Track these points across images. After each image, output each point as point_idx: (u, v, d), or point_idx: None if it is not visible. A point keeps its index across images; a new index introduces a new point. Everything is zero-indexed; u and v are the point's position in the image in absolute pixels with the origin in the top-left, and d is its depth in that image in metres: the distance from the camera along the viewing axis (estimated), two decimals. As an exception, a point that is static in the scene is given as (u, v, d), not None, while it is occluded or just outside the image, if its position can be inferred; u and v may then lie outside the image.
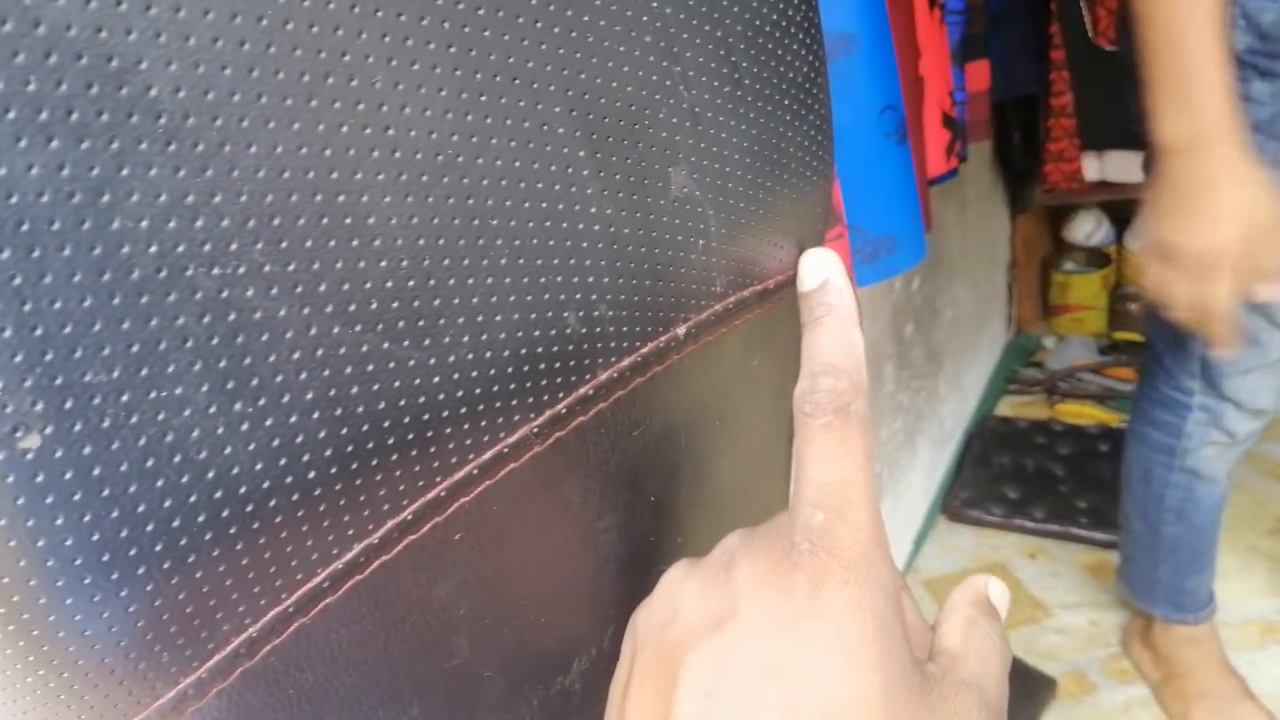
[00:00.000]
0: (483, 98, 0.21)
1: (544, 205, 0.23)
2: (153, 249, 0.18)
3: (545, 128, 0.22)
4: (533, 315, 0.23)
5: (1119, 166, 1.80)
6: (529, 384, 0.24)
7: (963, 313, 1.83)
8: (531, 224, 0.22)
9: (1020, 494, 1.70)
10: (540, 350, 0.24)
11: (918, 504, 1.65)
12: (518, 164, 0.22)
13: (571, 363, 0.24)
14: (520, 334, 0.23)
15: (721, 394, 0.30)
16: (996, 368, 2.09)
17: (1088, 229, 2.19)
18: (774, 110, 0.28)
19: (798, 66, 0.28)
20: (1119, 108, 1.73)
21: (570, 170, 0.23)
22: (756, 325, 0.30)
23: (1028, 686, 1.30)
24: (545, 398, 0.24)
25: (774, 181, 0.28)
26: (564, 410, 0.25)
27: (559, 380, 0.24)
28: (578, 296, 0.24)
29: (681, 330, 0.27)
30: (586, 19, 0.23)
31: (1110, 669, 1.35)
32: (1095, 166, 1.82)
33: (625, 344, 0.25)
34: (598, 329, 0.25)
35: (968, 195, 1.77)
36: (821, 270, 0.28)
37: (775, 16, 0.27)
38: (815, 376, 0.25)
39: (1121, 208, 2.15)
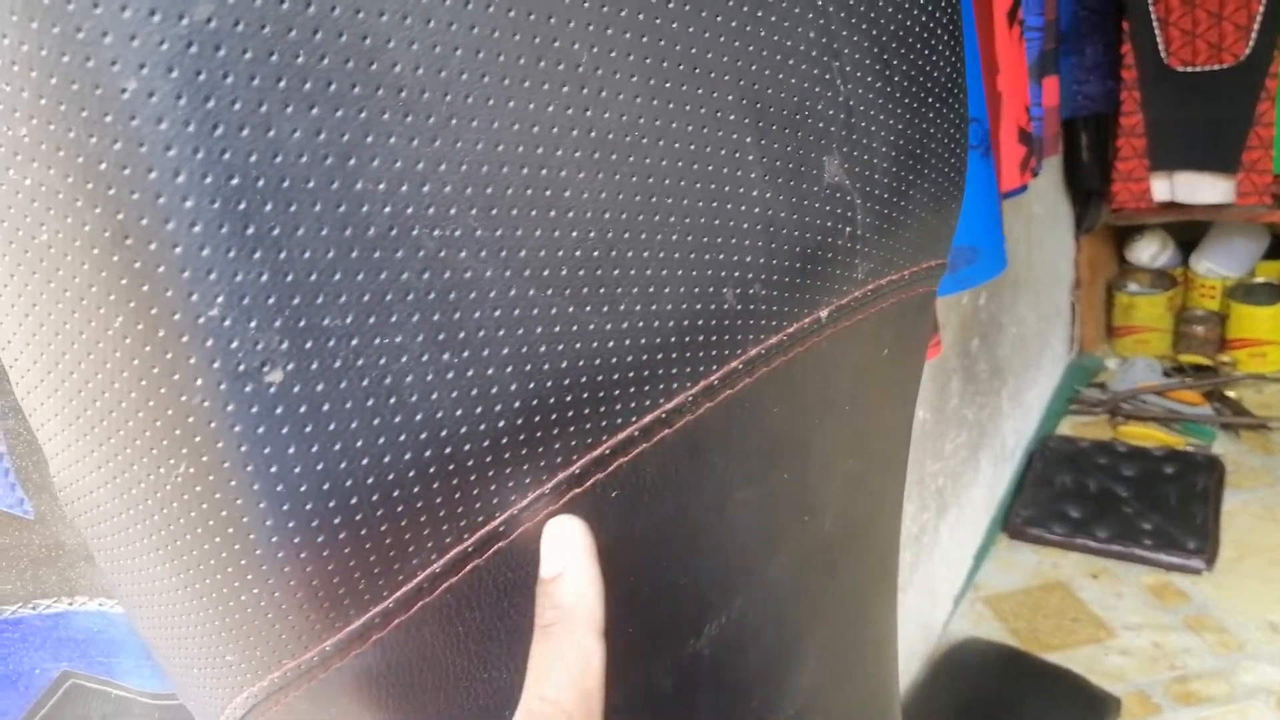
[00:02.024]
0: (666, 84, 0.23)
1: (713, 186, 0.24)
2: (387, 209, 0.20)
3: (718, 114, 0.24)
4: (696, 289, 0.25)
5: (1188, 188, 1.79)
6: (688, 354, 0.25)
7: (1026, 330, 1.82)
8: (701, 203, 0.24)
9: (1083, 513, 1.68)
10: (700, 323, 0.25)
11: (979, 520, 1.64)
12: (692, 146, 0.24)
13: (726, 337, 0.26)
14: (684, 306, 0.25)
15: (853, 380, 0.32)
16: (1058, 387, 2.07)
17: (1153, 250, 2.17)
18: (919, 107, 0.29)
19: (942, 66, 0.29)
20: (1190, 129, 1.72)
21: (737, 155, 0.25)
22: (889, 315, 0.31)
23: (1091, 706, 1.28)
24: (701, 369, 0.26)
25: (914, 175, 0.29)
26: (715, 382, 0.26)
27: (714, 353, 0.26)
28: (736, 274, 0.25)
29: (824, 313, 0.28)
30: (759, 14, 0.24)
31: (1175, 691, 1.33)
32: (1164, 187, 1.82)
33: (774, 322, 0.27)
34: (751, 306, 0.26)
35: (1034, 213, 1.77)
36: (560, 554, 0.23)
37: (924, 19, 0.28)
38: (531, 712, 0.21)
39: (1187, 229, 2.12)
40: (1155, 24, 1.69)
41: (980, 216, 0.97)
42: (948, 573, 1.50)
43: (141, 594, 0.24)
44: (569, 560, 0.23)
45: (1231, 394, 1.99)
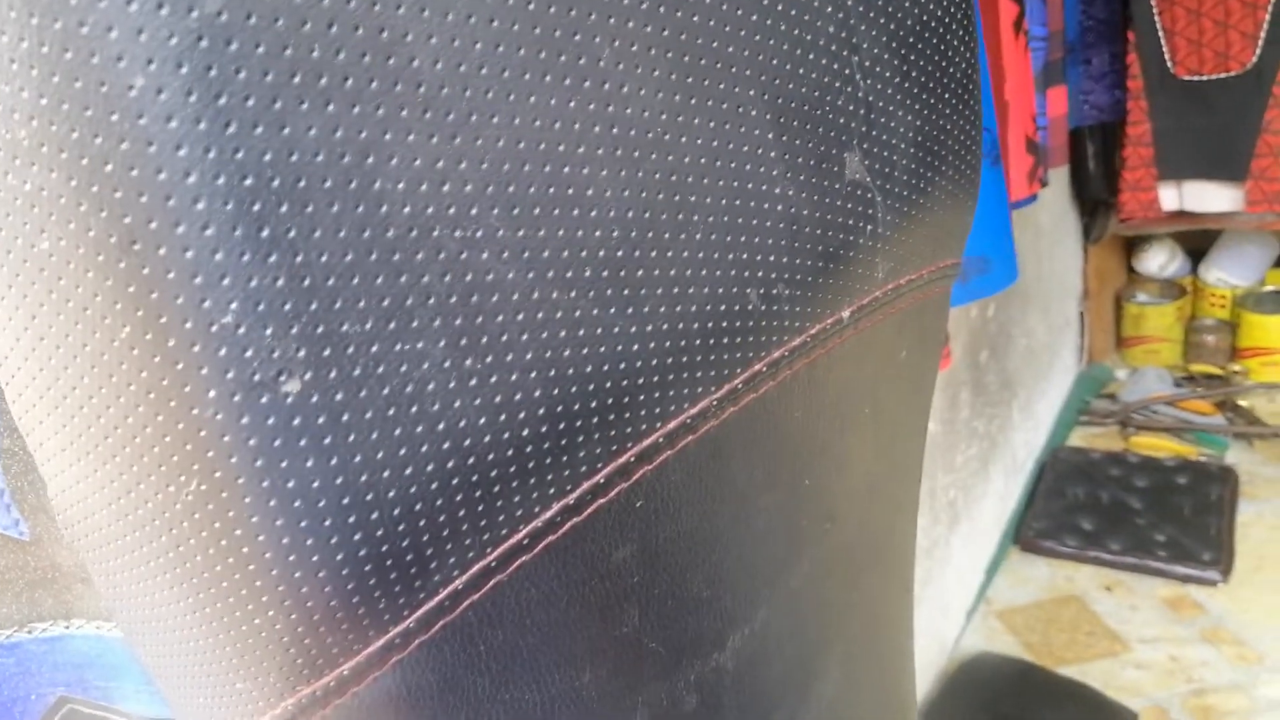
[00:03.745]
0: (688, 79, 0.22)
1: (735, 184, 0.24)
2: (406, 209, 0.19)
3: (740, 110, 0.23)
4: (720, 290, 0.24)
5: (1196, 196, 1.79)
6: (713, 357, 0.25)
7: (1035, 342, 1.81)
8: (724, 201, 0.24)
9: (1095, 525, 1.67)
10: (725, 325, 0.24)
11: (990, 533, 1.63)
12: (715, 143, 0.23)
13: (750, 339, 0.25)
14: (709, 307, 0.24)
15: (872, 383, 0.31)
16: (1068, 398, 2.07)
17: (1161, 260, 2.17)
18: (935, 103, 0.28)
19: (957, 63, 0.29)
20: (1197, 137, 1.72)
21: (760, 151, 0.24)
22: (908, 316, 0.31)
23: (1108, 720, 1.27)
24: (725, 371, 0.25)
25: (932, 172, 0.29)
26: (740, 385, 0.26)
27: (738, 355, 0.25)
28: (760, 274, 0.25)
29: (846, 313, 0.28)
30: (779, 9, 0.24)
31: (1192, 705, 1.31)
32: (1172, 196, 1.81)
33: (797, 324, 0.26)
34: (775, 307, 0.25)
35: (1042, 224, 1.77)
36: None
37: (940, 13, 0.28)
38: None
39: (1196, 238, 2.12)
40: (1161, 33, 1.69)
41: (992, 226, 0.97)
42: (960, 587, 1.49)
43: (145, 620, 0.23)
44: None
45: (1244, 403, 1.98)
